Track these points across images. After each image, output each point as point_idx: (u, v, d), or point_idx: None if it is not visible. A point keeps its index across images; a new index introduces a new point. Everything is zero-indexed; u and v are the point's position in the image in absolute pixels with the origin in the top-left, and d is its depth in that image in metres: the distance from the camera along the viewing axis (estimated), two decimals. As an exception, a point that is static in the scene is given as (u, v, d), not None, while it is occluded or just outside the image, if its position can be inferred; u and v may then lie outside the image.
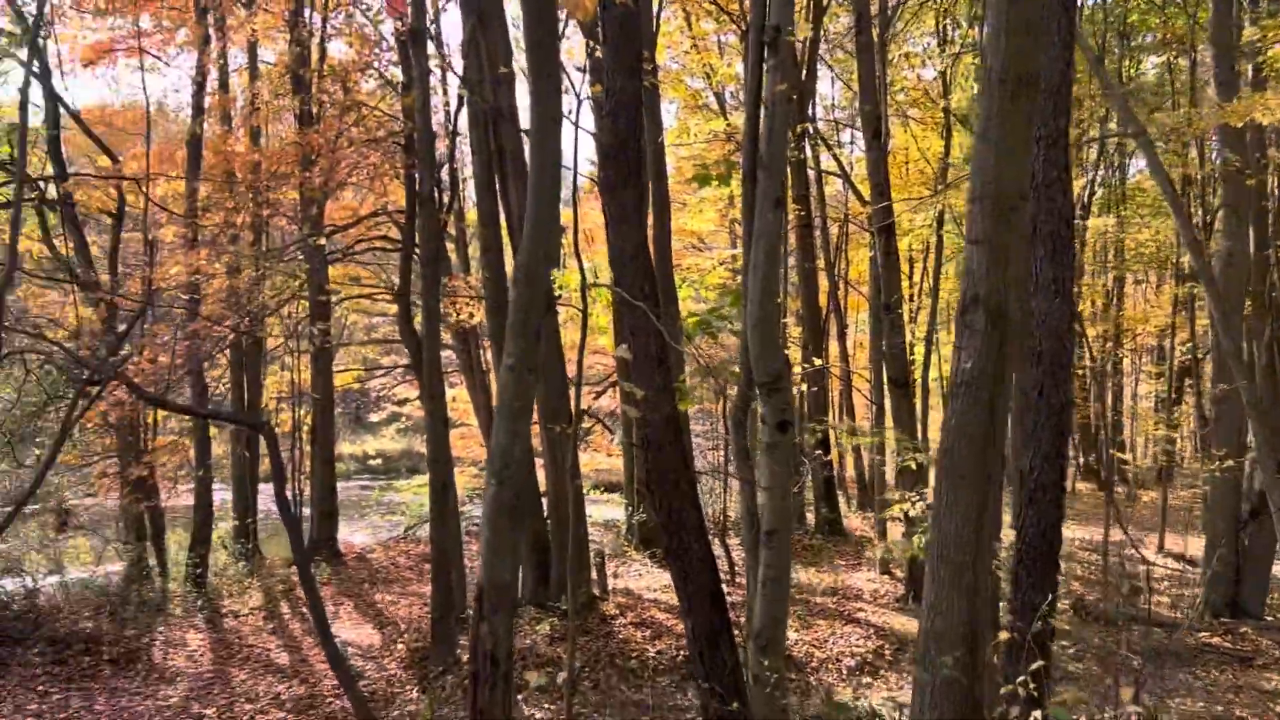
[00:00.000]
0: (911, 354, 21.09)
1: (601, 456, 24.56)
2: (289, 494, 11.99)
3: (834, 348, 23.24)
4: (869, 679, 10.79)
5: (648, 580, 14.93)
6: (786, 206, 12.23)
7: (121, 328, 12.31)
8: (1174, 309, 21.68)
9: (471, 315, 18.73)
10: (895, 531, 16.39)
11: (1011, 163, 3.21)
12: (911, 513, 10.32)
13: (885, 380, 14.44)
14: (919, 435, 14.79)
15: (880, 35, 14.92)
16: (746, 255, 6.42)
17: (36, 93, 12.35)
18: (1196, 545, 18.74)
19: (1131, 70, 22.93)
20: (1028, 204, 3.52)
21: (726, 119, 21.07)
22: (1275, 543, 12.70)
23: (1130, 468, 27.40)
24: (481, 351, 20.52)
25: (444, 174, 13.84)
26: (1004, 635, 4.40)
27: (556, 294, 6.79)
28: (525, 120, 14.28)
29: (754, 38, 6.39)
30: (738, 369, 6.96)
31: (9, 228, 8.17)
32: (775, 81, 6.12)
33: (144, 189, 13.00)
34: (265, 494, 19.43)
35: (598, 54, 6.41)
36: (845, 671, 10.91)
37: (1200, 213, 19.36)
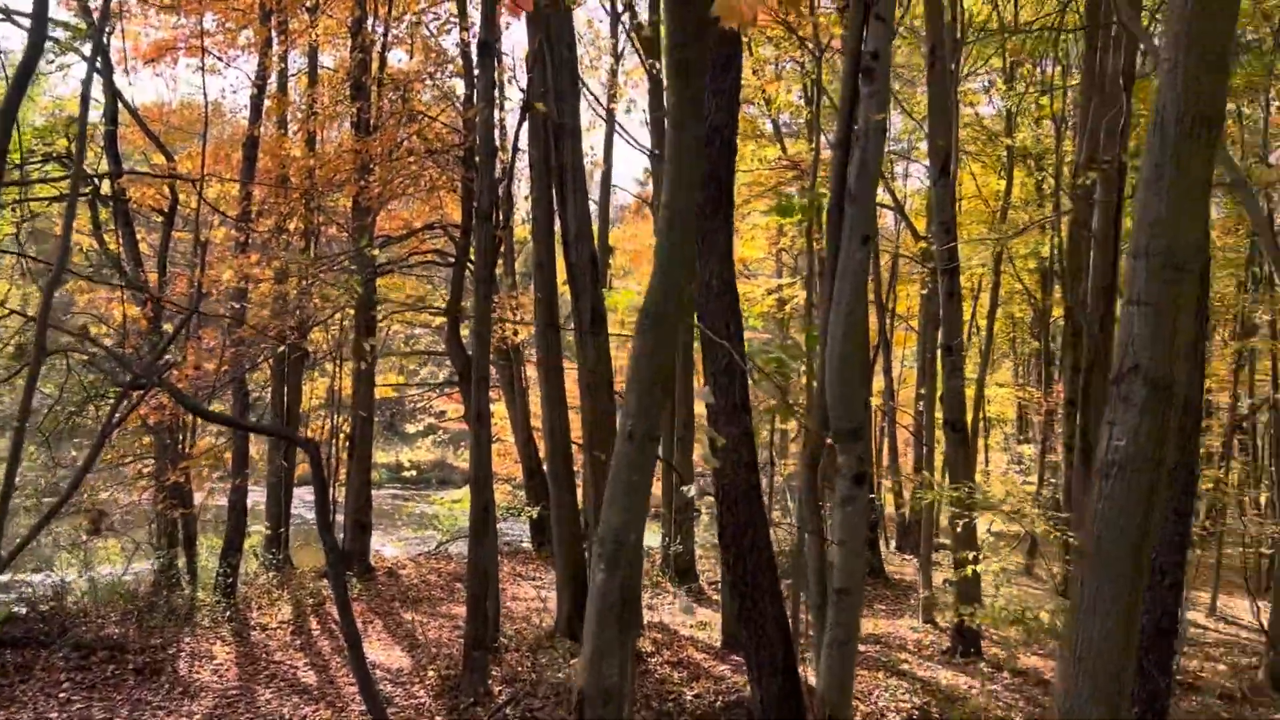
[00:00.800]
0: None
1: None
2: (329, 508, 11.71)
3: (879, 383, 22.77)
4: (915, 737, 10.33)
5: (684, 615, 14.52)
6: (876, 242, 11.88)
7: (168, 328, 12.13)
8: (1236, 366, 21.00)
9: (515, 332, 18.48)
10: (939, 577, 15.90)
11: (1186, 214, 2.84)
12: (985, 574, 9.84)
13: (939, 422, 13.98)
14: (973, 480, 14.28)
15: (953, 69, 14.53)
16: (827, 289, 6.09)
17: (96, 88, 12.23)
18: (1242, 607, 18.09)
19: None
20: (1201, 262, 3.17)
21: (782, 147, 20.76)
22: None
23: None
24: (524, 369, 20.29)
25: (501, 190, 13.61)
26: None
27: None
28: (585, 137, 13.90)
29: (849, 64, 6.06)
30: (789, 405, 6.56)
31: (62, 223, 7.99)
32: (870, 111, 5.78)
33: (198, 189, 12.85)
34: (298, 499, 19.22)
35: (659, 72, 6.11)
36: (891, 728, 10.45)
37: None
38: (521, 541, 21.54)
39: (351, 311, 15.80)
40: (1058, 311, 22.07)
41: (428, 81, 14.72)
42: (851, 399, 5.73)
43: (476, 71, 11.21)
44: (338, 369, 19.43)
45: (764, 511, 5.94)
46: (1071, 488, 13.12)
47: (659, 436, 3.11)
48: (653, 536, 20.33)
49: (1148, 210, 2.89)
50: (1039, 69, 22.21)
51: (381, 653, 11.93)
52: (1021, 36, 18.90)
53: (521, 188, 20.22)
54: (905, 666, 12.33)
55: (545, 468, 14.70)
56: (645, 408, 2.82)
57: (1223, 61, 2.79)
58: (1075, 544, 8.60)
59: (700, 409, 13.83)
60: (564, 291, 12.93)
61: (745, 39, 18.61)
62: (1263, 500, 22.93)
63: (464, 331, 15.27)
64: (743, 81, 19.99)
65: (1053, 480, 21.29)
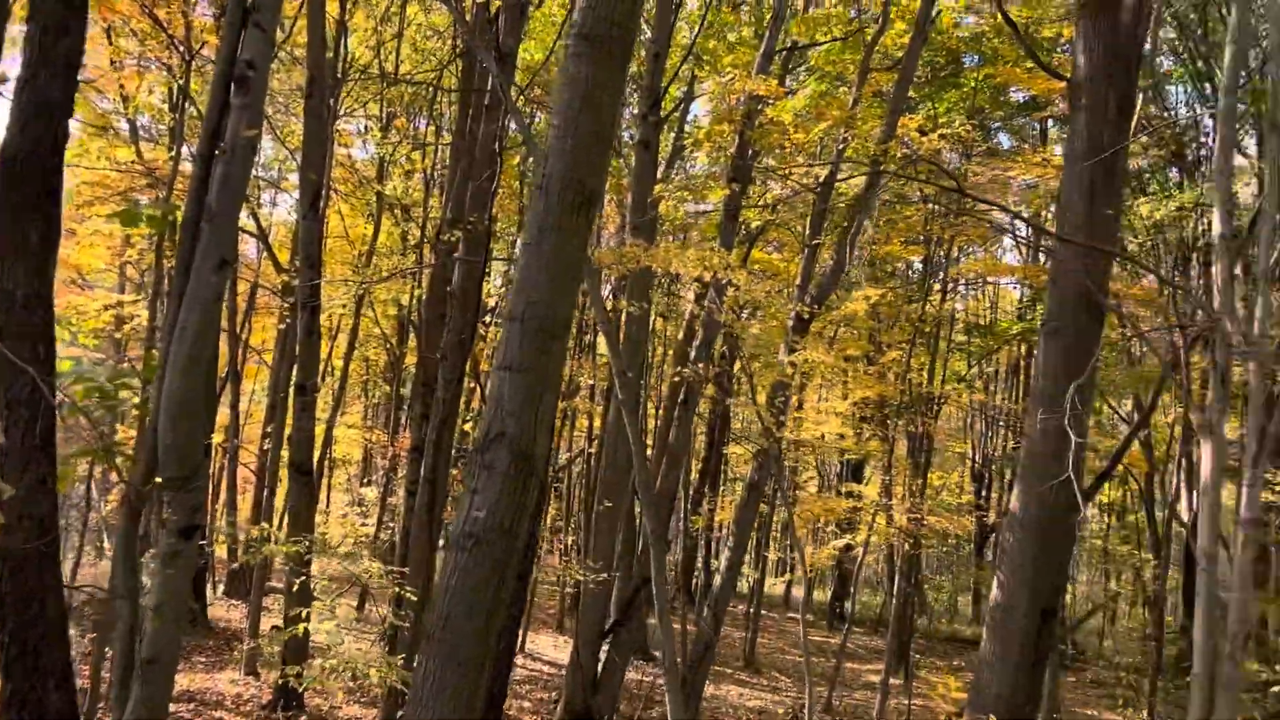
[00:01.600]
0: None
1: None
2: None
3: (224, 418, 21.44)
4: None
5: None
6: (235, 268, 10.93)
7: None
8: (560, 422, 23.31)
9: None
10: (269, 623, 15.16)
11: (564, 284, 2.80)
12: (318, 632, 9.39)
13: (284, 462, 13.42)
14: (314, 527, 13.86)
15: (332, 104, 14.29)
16: (172, 313, 5.34)
17: None
18: (548, 643, 19.99)
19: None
20: (568, 333, 3.16)
21: (138, 150, 18.82)
22: (630, 654, 13.81)
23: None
24: None
25: None
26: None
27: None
28: None
29: (221, 70, 5.43)
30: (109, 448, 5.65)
31: None
32: (241, 124, 5.22)
33: None
34: None
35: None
36: (200, 799, 9.54)
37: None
38: None
39: None
40: (411, 359, 22.76)
41: None
42: (188, 442, 5.03)
43: None
44: None
45: (58, 575, 4.90)
46: (410, 533, 13.33)
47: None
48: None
49: (529, 276, 2.81)
50: (413, 125, 23.00)
51: None
52: (400, 89, 19.38)
53: None
54: (223, 726, 11.47)
55: None
56: None
57: (608, 136, 2.83)
58: (408, 596, 8.62)
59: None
60: None
61: (104, 22, 16.55)
62: (570, 542, 25.73)
63: None
64: (98, 71, 17.82)
65: (390, 524, 21.70)
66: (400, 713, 10.38)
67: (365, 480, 31.71)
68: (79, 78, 5.54)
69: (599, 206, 2.98)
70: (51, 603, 4.80)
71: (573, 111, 2.79)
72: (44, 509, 4.78)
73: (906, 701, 13.15)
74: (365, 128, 23.89)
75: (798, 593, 35.62)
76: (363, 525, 22.73)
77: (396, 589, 8.39)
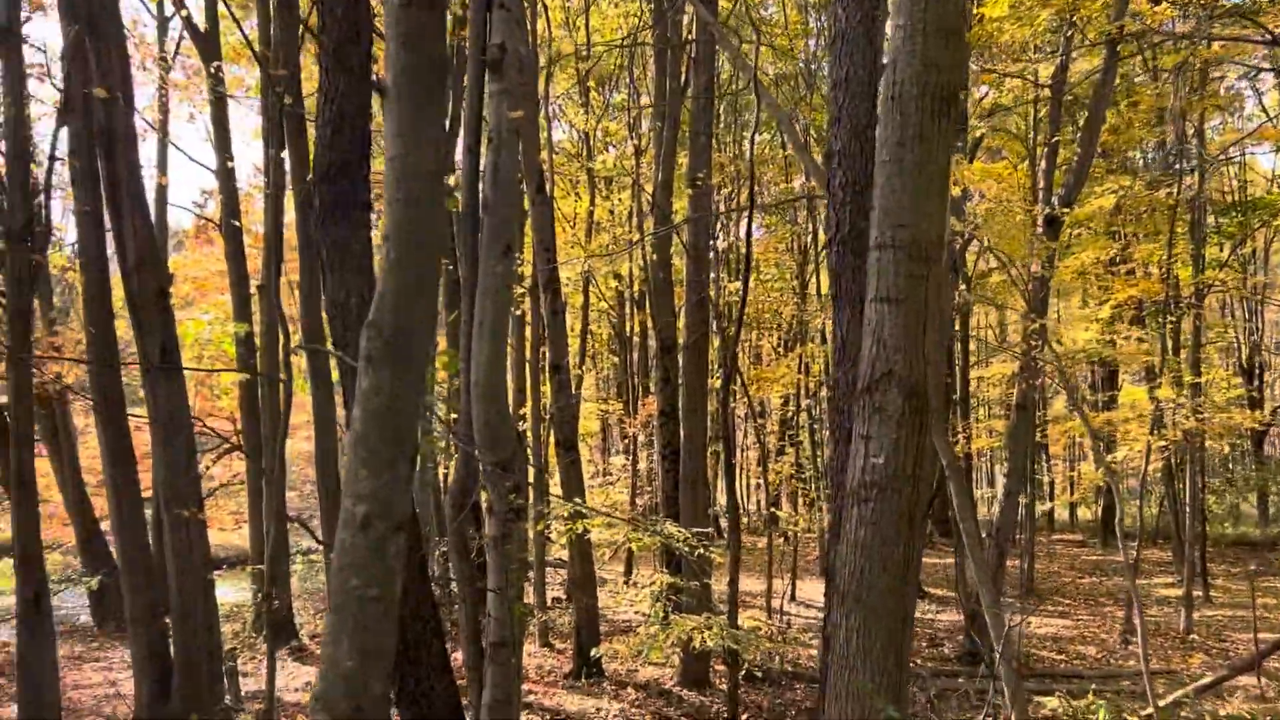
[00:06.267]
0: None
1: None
2: None
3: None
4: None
5: (283, 679, 13.07)
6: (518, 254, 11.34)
7: None
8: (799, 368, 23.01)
9: (59, 376, 15.88)
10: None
11: (931, 199, 2.56)
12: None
13: (552, 442, 13.82)
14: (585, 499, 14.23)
15: (545, 89, 14.49)
16: (467, 307, 5.51)
17: None
18: (816, 591, 19.77)
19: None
20: (945, 252, 2.92)
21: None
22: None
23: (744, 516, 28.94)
24: (69, 417, 17.61)
25: (37, 206, 11.41)
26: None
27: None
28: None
29: (474, 58, 5.47)
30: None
31: None
32: (503, 109, 5.24)
33: None
34: None
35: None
36: (529, 766, 9.97)
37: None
38: (79, 617, 18.55)
39: None
40: (635, 328, 23.08)
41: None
42: (501, 426, 5.15)
43: (-2, 63, 9.25)
44: None
45: (426, 571, 5.11)
46: (666, 495, 13.45)
47: (404, 524, 2.29)
48: (236, 588, 18.53)
49: (891, 197, 2.59)
50: (607, 96, 23.11)
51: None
52: (594, 59, 19.49)
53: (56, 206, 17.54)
54: (532, 697, 11.94)
55: (113, 527, 12.65)
56: (386, 479, 1.99)
57: (959, 30, 2.56)
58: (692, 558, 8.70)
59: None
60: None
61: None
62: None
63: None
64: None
65: (648, 489, 22.06)
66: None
67: (606, 450, 32.43)
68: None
69: (959, 107, 2.71)
70: (424, 598, 4.98)
71: (918, 6, 2.54)
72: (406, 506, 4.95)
73: (1210, 613, 12.21)
74: (559, 108, 24.18)
75: (1059, 514, 34.01)
76: (616, 493, 23.23)
77: (688, 550, 8.42)
